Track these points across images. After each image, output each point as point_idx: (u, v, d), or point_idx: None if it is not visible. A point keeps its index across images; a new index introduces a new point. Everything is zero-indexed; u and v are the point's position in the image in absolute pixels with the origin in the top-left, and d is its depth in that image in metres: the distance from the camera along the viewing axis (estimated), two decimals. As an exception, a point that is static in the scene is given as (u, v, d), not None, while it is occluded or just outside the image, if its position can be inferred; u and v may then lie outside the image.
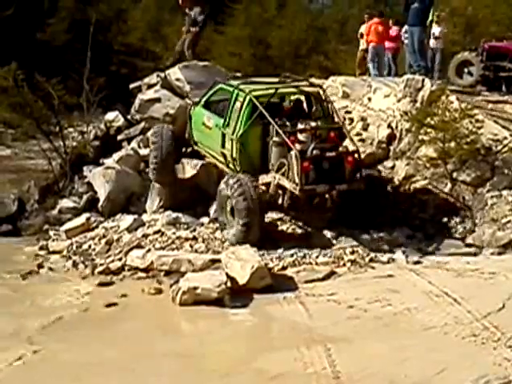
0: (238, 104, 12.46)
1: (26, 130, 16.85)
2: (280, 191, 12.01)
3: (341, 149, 11.89)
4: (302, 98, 12.96)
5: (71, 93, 17.18)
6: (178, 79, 17.27)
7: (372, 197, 12.06)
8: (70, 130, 17.08)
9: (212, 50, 31.74)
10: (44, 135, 16.46)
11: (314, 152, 11.49)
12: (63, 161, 16.06)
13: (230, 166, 12.66)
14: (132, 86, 18.99)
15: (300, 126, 11.99)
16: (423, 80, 14.88)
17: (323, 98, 12.89)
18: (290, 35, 33.19)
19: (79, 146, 16.45)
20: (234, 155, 12.37)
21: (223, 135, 12.70)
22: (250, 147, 12.32)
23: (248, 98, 12.30)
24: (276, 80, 13.32)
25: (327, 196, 12.06)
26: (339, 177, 11.57)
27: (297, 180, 11.34)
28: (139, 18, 35.47)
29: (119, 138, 16.72)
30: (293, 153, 11.45)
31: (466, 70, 17.05)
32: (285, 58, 30.72)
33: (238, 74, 16.39)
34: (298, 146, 11.57)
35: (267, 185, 12.07)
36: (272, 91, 12.48)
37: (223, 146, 12.74)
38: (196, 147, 14.07)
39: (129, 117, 17.30)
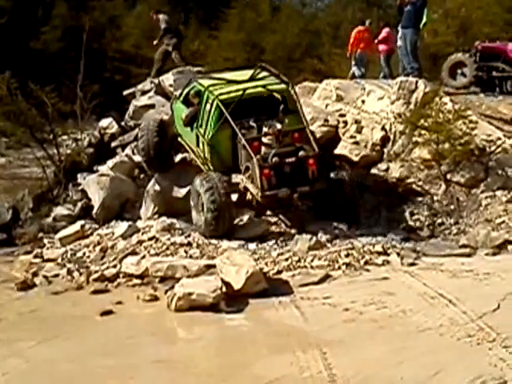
0: (207, 106, 12.86)
1: (19, 138, 16.83)
2: (248, 192, 12.48)
3: (301, 153, 12.14)
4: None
5: (65, 100, 17.16)
6: (171, 85, 17.29)
7: (339, 194, 12.29)
8: (64, 137, 17.04)
9: (206, 55, 31.81)
10: (38, 143, 16.42)
11: (274, 160, 11.97)
12: (57, 168, 16.02)
13: (205, 164, 13.13)
14: (126, 92, 19.06)
15: (264, 129, 12.35)
16: (416, 82, 14.89)
17: (291, 96, 13.09)
18: (283, 39, 33.26)
19: (73, 154, 16.41)
20: (206, 155, 12.86)
21: (197, 135, 13.14)
22: (221, 149, 12.79)
23: (216, 102, 12.64)
24: (249, 73, 13.50)
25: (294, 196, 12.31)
26: (301, 179, 11.97)
27: (259, 185, 11.83)
28: (133, 24, 35.51)
29: (113, 144, 16.73)
30: (254, 160, 11.89)
31: (459, 71, 17.06)
32: (279, 62, 30.71)
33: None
34: (263, 149, 12.14)
35: (238, 184, 12.56)
36: (240, 92, 12.75)
37: (197, 145, 13.23)
38: (179, 139, 14.37)
39: (123, 123, 17.33)
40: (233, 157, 12.75)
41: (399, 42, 16.57)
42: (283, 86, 13.26)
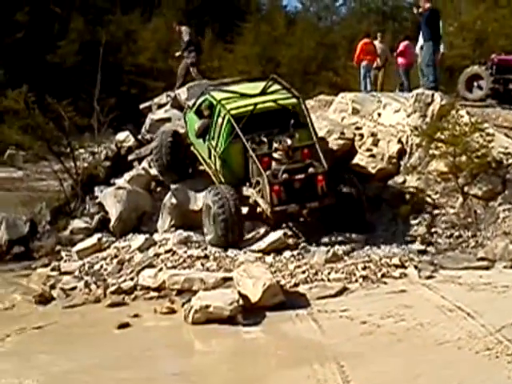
0: (219, 120, 13.05)
1: (37, 151, 16.92)
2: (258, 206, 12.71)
3: (311, 169, 12.31)
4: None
5: (82, 114, 17.26)
6: (187, 99, 17.33)
7: (345, 206, 12.36)
8: (81, 150, 17.13)
9: (222, 69, 31.92)
10: (55, 156, 16.51)
11: (284, 176, 12.17)
12: (74, 182, 16.09)
13: (216, 175, 13.31)
14: (142, 106, 19.11)
15: (275, 145, 12.55)
16: (433, 95, 14.86)
17: (302, 110, 13.20)
18: (299, 53, 33.34)
19: (90, 167, 16.49)
20: (218, 168, 13.03)
21: (209, 147, 13.32)
22: (232, 162, 13.01)
23: (227, 117, 12.80)
24: (260, 85, 13.65)
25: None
26: (310, 195, 12.16)
27: (269, 201, 12.06)
28: (149, 38, 35.71)
29: (130, 158, 16.76)
30: (264, 177, 12.07)
31: (475, 83, 17.04)
32: (294, 76, 30.80)
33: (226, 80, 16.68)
34: (273, 164, 12.39)
35: (248, 197, 12.83)
36: (252, 107, 12.93)
37: (209, 157, 13.41)
38: (192, 148, 14.51)
39: (139, 137, 17.37)
40: (244, 170, 12.92)
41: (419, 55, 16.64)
42: (294, 100, 13.38)
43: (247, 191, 12.81)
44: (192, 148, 14.51)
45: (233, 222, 12.36)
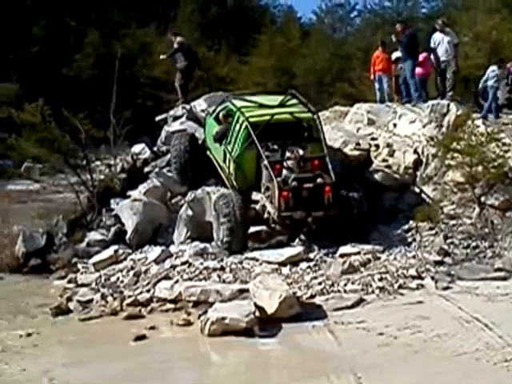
0: (237, 126, 13.64)
1: (53, 164, 16.93)
2: (266, 212, 13.12)
3: (319, 180, 12.74)
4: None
5: (98, 127, 17.29)
6: (203, 110, 17.40)
7: (347, 219, 12.73)
8: (98, 163, 17.19)
9: (237, 81, 31.96)
10: (71, 169, 16.53)
11: (293, 184, 12.66)
12: (91, 194, 16.11)
13: (229, 179, 13.84)
14: (158, 118, 19.18)
15: (287, 154, 13.08)
16: (448, 105, 14.86)
17: (316, 125, 13.68)
18: (314, 64, 33.33)
19: (106, 179, 16.54)
20: (232, 172, 13.57)
21: (225, 151, 13.87)
22: (246, 167, 13.52)
23: (245, 124, 13.36)
24: (279, 98, 14.31)
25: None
26: (317, 204, 12.55)
27: (276, 206, 12.49)
28: (164, 51, 35.75)
29: (146, 170, 16.81)
30: (275, 182, 12.51)
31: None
32: (309, 87, 30.82)
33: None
34: (284, 172, 12.87)
35: (257, 202, 13.32)
36: (269, 117, 13.46)
37: (224, 160, 13.98)
38: (208, 153, 15.14)
39: (155, 149, 17.44)
40: (256, 176, 13.40)
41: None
42: (309, 114, 13.88)
43: (256, 196, 13.31)
44: (208, 152, 15.14)
45: (237, 230, 12.88)
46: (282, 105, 14.05)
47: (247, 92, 16.42)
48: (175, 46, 19.63)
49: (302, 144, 13.39)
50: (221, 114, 14.82)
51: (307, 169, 12.99)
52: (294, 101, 14.25)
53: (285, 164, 13.01)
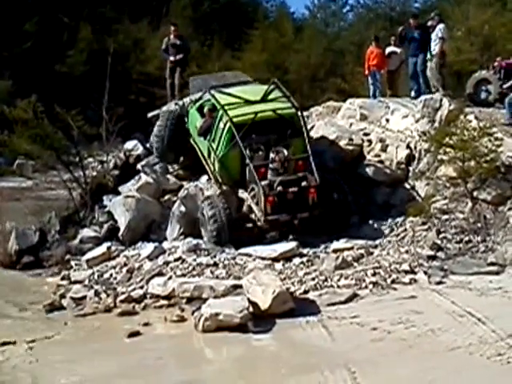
0: (221, 125, 13.76)
1: (46, 161, 16.91)
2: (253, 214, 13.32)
3: (304, 183, 12.91)
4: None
5: (90, 123, 17.26)
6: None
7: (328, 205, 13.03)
8: (90, 159, 17.17)
9: (230, 76, 31.86)
10: (64, 166, 16.51)
11: (279, 189, 12.83)
12: (83, 191, 16.11)
13: (214, 174, 14.05)
14: (150, 114, 19.12)
15: (272, 155, 13.22)
16: (441, 100, 14.86)
17: (299, 120, 13.78)
18: (307, 59, 33.29)
19: (99, 176, 16.54)
20: (216, 169, 13.77)
21: (209, 148, 14.06)
22: (230, 166, 13.75)
23: (229, 124, 13.49)
24: (262, 88, 14.62)
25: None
26: (302, 206, 12.81)
27: (262, 209, 12.78)
28: (157, 46, 35.63)
29: (139, 166, 16.77)
30: (260, 187, 12.73)
31: (483, 88, 17.00)
32: (303, 82, 30.81)
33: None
34: (269, 173, 13.10)
35: (243, 199, 13.59)
36: (252, 115, 13.56)
37: (209, 156, 14.15)
38: (191, 141, 15.26)
39: (148, 145, 17.39)
40: (240, 174, 13.60)
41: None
42: (293, 110, 13.96)
43: (242, 194, 13.51)
44: (192, 141, 15.24)
45: (223, 230, 13.14)
46: (264, 99, 14.13)
47: (228, 76, 17.04)
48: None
49: (285, 142, 13.56)
50: (206, 108, 14.83)
51: (291, 170, 13.18)
52: (277, 93, 14.31)
53: (270, 165, 13.15)
